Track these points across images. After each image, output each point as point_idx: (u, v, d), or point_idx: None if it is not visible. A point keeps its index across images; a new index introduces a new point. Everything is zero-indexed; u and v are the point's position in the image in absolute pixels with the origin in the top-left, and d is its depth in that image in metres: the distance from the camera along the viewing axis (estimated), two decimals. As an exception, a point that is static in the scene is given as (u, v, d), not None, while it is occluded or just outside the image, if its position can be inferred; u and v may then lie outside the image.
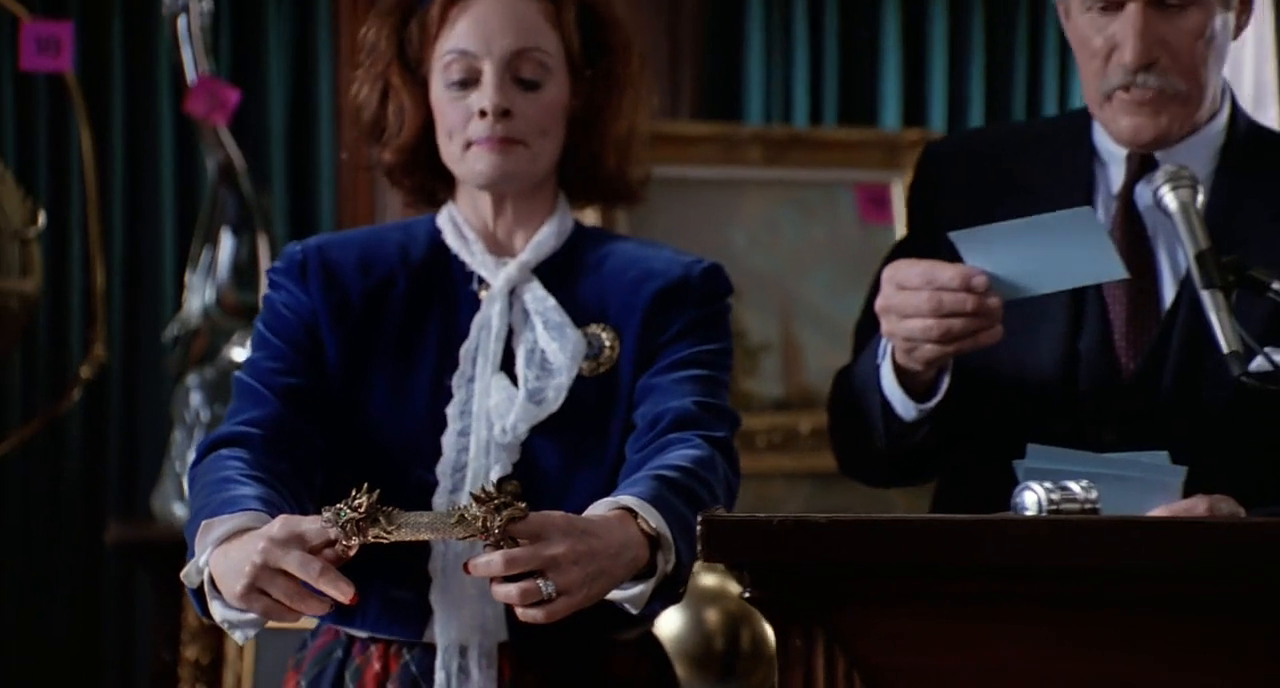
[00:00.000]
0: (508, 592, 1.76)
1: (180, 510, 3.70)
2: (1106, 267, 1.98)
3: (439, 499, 2.00)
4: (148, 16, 4.39)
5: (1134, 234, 2.16)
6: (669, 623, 3.18)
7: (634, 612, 1.87)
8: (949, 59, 4.96)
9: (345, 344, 2.06)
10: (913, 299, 1.99)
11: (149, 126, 4.49)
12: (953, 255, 2.02)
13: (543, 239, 2.11)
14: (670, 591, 1.87)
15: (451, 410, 2.04)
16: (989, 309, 1.98)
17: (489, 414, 2.03)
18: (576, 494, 1.96)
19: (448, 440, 2.03)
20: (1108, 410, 2.13)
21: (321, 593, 1.76)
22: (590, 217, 2.63)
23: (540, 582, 1.75)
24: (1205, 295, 1.95)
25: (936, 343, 1.99)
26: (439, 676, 2.00)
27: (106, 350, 4.02)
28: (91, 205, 3.92)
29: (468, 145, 2.07)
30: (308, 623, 2.13)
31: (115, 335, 4.44)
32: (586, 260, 2.12)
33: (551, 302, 2.07)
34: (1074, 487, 1.72)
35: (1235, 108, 2.23)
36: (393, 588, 2.00)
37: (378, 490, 1.76)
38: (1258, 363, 1.92)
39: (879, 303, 2.03)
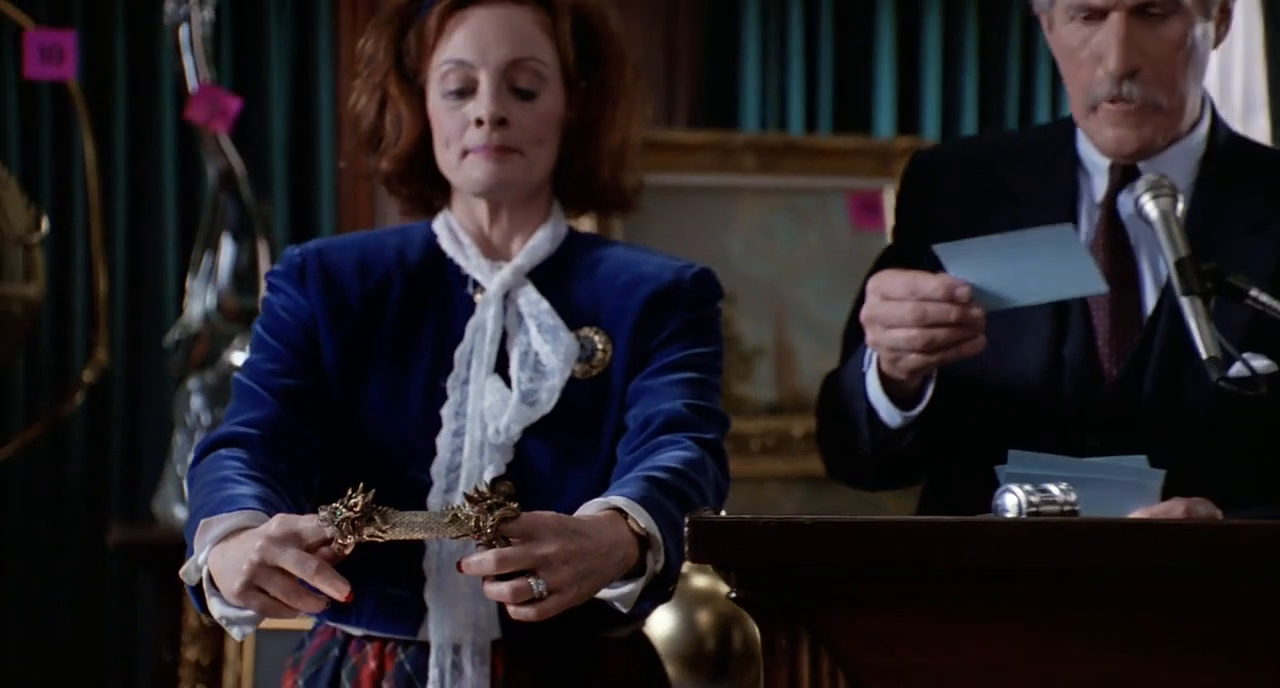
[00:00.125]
0: (499, 590, 1.77)
1: (181, 513, 3.69)
2: (1087, 282, 1.99)
3: (434, 499, 2.01)
4: (150, 26, 4.39)
5: (1116, 243, 2.17)
6: (662, 624, 3.18)
7: (624, 610, 1.88)
8: (942, 67, 4.95)
9: (343, 346, 2.07)
10: (897, 309, 2.00)
11: (151, 134, 4.49)
12: (936, 266, 2.03)
13: (537, 244, 2.12)
14: (660, 590, 1.88)
15: (446, 412, 2.05)
16: (972, 320, 1.99)
17: (483, 415, 2.04)
18: (569, 495, 1.97)
19: (442, 441, 2.04)
20: (1091, 416, 2.14)
21: (317, 591, 1.77)
22: (586, 223, 2.65)
23: (531, 580, 1.76)
24: (1184, 302, 1.96)
25: (920, 353, 2.00)
26: (433, 672, 2.01)
27: (109, 354, 4.03)
28: (94, 211, 3.93)
29: (464, 153, 2.08)
30: (306, 623, 2.13)
31: (117, 340, 4.43)
32: (580, 265, 2.13)
33: (545, 305, 2.09)
34: (1053, 489, 1.74)
35: (1215, 118, 2.25)
36: (388, 586, 2.01)
37: (373, 490, 1.77)
38: (1236, 369, 1.94)
39: (864, 313, 2.04)
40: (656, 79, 4.63)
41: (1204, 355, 1.92)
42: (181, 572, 1.86)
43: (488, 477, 2.01)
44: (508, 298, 2.10)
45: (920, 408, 2.09)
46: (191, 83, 3.87)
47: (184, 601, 3.54)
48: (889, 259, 2.29)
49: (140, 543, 3.88)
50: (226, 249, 3.89)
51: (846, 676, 1.61)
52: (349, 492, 1.78)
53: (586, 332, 2.09)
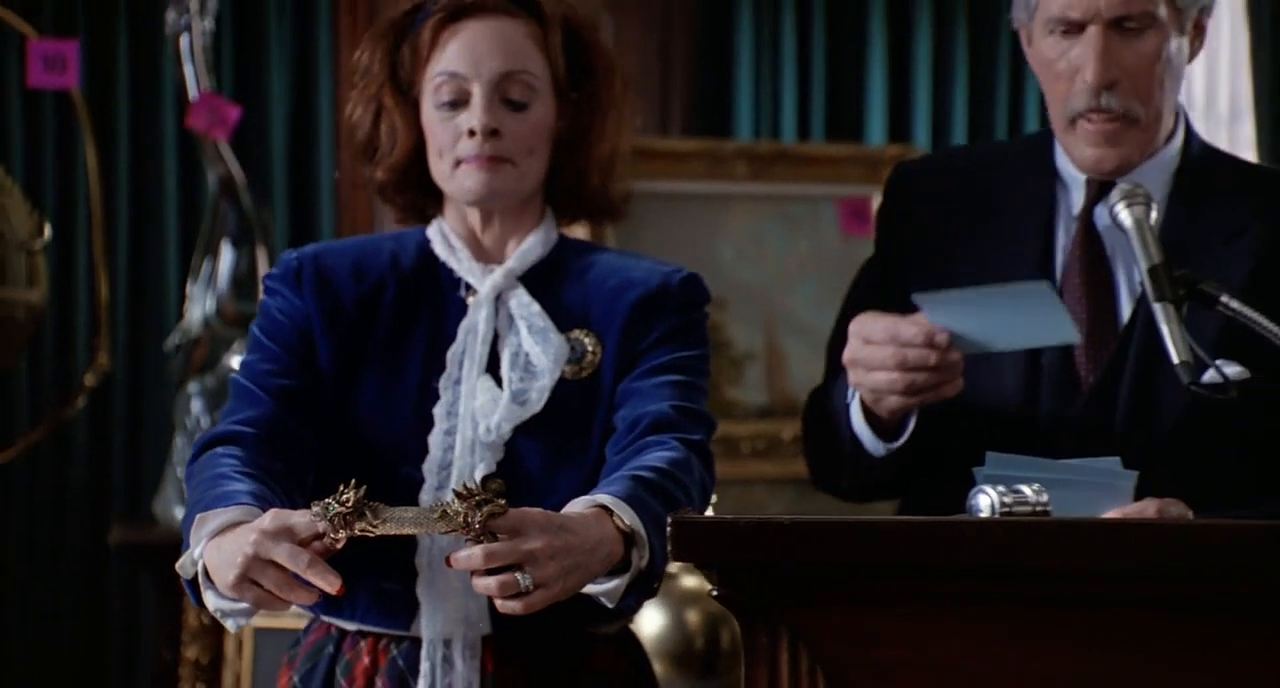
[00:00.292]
0: (487, 584, 1.79)
1: (181, 514, 3.72)
2: (1061, 332, 2.01)
3: (425, 496, 2.03)
4: (152, 35, 4.41)
5: (1093, 254, 2.19)
6: (651, 623, 3.18)
7: (610, 605, 1.89)
8: (933, 76, 4.96)
9: (337, 348, 2.09)
10: (878, 353, 2.01)
11: (153, 142, 4.51)
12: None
13: (529, 248, 2.14)
14: (645, 586, 1.90)
15: (438, 411, 2.07)
16: (951, 364, 2.01)
17: (474, 414, 2.05)
18: (558, 493, 1.98)
19: (434, 440, 2.06)
20: (1068, 423, 2.16)
21: (310, 584, 1.79)
22: (580, 231, 2.68)
23: (518, 575, 1.78)
24: (1157, 308, 1.97)
25: (901, 395, 2.02)
26: (424, 666, 2.02)
27: (110, 359, 4.03)
28: (96, 218, 3.95)
29: (457, 163, 2.10)
30: (303, 622, 2.15)
31: (119, 344, 4.46)
32: (570, 269, 2.15)
33: (536, 307, 2.10)
34: (1026, 490, 1.76)
35: (1190, 131, 2.26)
36: (380, 580, 2.03)
37: (364, 486, 1.80)
38: (1209, 376, 1.95)
39: (846, 355, 2.06)
40: (651, 87, 4.64)
41: (1175, 360, 1.93)
42: (178, 565, 1.89)
43: (479, 475, 2.02)
44: (499, 300, 2.12)
45: (903, 439, 2.11)
46: (192, 91, 3.88)
47: (184, 600, 3.55)
48: (871, 271, 2.32)
49: (141, 544, 3.89)
50: (226, 255, 3.90)
51: (825, 673, 1.64)
52: (341, 487, 1.80)
53: (576, 334, 2.11)
